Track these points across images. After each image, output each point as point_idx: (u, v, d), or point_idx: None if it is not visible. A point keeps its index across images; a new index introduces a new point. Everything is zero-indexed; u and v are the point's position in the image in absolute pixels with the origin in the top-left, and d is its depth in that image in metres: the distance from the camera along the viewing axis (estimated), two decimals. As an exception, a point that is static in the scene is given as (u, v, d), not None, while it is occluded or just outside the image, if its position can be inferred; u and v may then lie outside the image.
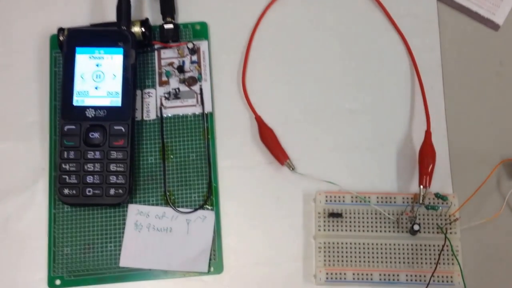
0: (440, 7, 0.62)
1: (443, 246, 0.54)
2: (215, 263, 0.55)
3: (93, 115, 0.55)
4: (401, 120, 0.59)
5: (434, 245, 0.54)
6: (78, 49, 0.56)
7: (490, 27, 0.62)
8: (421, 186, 0.55)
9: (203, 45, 0.59)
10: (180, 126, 0.58)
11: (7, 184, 0.57)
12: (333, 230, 0.55)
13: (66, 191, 0.54)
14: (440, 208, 0.55)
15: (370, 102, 0.60)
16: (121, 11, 0.57)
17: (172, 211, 0.56)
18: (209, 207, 0.56)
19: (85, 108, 0.55)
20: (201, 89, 0.58)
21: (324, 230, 0.55)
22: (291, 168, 0.57)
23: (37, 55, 0.60)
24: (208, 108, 0.58)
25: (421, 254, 0.54)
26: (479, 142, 0.59)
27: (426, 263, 0.54)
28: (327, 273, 0.54)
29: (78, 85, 0.56)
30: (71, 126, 0.55)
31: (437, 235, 0.55)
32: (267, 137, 0.58)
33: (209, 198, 0.56)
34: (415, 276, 0.54)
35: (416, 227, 0.54)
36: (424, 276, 0.54)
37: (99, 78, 0.56)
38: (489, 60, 0.61)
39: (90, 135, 0.55)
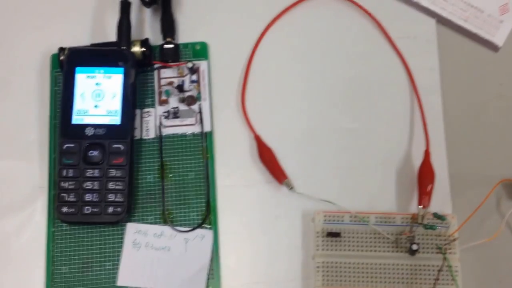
0: (440, 28, 0.63)
1: (441, 266, 0.54)
2: (213, 282, 0.55)
3: (92, 133, 0.55)
4: (400, 140, 0.59)
5: (433, 265, 0.54)
6: (78, 68, 0.57)
7: (490, 48, 0.62)
8: (420, 206, 0.55)
9: (202, 64, 0.60)
10: (179, 145, 0.58)
11: (6, 202, 0.57)
12: (331, 249, 0.55)
13: (64, 209, 0.54)
14: (439, 228, 0.54)
15: (369, 122, 0.60)
16: (122, 31, 0.58)
17: (171, 230, 0.56)
18: (208, 226, 0.56)
19: (84, 126, 0.55)
20: (200, 108, 0.59)
21: (323, 249, 0.55)
22: (289, 187, 0.57)
23: (37, 74, 0.60)
24: (207, 127, 0.58)
25: (420, 274, 0.54)
26: (478, 162, 0.59)
27: (425, 283, 0.54)
28: (325, 293, 0.54)
29: (78, 103, 0.56)
30: (70, 144, 0.55)
31: (436, 255, 0.54)
32: (266, 156, 0.58)
33: (207, 217, 0.56)
34: (414, 296, 0.54)
35: (414, 247, 0.53)
36: (424, 296, 0.54)
37: (98, 97, 0.56)
38: (489, 81, 0.62)
39: (89, 153, 0.55)
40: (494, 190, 0.57)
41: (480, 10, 0.63)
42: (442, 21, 0.63)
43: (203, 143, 0.58)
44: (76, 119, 0.56)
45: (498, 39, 0.62)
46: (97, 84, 0.56)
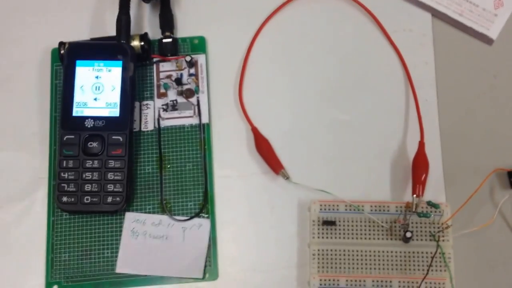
0: (435, 22, 0.63)
1: (434, 253, 0.54)
2: (210, 269, 0.56)
3: (92, 125, 0.56)
4: (395, 131, 0.60)
5: (427, 252, 0.55)
6: (78, 61, 0.58)
7: (484, 41, 0.63)
8: (414, 195, 0.56)
9: (200, 58, 0.61)
10: (177, 136, 0.59)
11: (8, 192, 0.58)
12: (327, 237, 0.56)
13: (64, 198, 0.56)
14: (432, 215, 0.55)
15: (365, 113, 0.61)
16: (121, 25, 0.59)
17: (168, 219, 0.57)
18: (205, 215, 0.57)
19: (84, 118, 0.57)
20: (198, 101, 0.60)
21: (319, 237, 0.55)
22: (286, 178, 0.58)
23: (38, 68, 0.61)
24: (205, 119, 0.59)
25: (413, 261, 0.55)
26: (472, 153, 0.60)
27: (418, 269, 0.55)
28: (320, 280, 0.55)
29: (78, 96, 0.57)
30: (70, 136, 0.56)
31: (430, 242, 0.55)
32: (263, 148, 0.59)
33: (205, 206, 0.57)
34: (408, 282, 0.54)
35: (408, 234, 0.54)
36: (417, 282, 0.54)
37: (98, 90, 0.57)
38: (483, 73, 0.62)
39: (89, 145, 0.56)
40: (487, 179, 0.57)
41: (475, 4, 0.63)
42: (437, 15, 0.63)
43: (201, 135, 0.59)
44: (76, 111, 0.57)
45: (493, 33, 0.63)
46: (96, 77, 0.58)
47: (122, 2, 0.60)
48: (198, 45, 0.62)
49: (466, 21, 0.63)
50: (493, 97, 0.61)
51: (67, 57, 0.58)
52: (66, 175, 0.56)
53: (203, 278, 0.56)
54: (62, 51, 0.59)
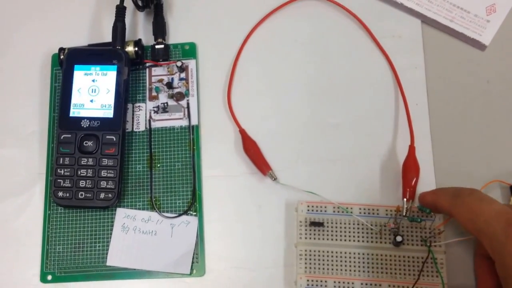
0: (425, 28, 0.64)
1: (426, 258, 0.54)
2: (198, 265, 0.58)
3: (87, 125, 0.59)
4: (385, 135, 0.60)
5: (418, 257, 0.55)
6: (76, 66, 0.61)
7: (477, 47, 0.63)
8: (404, 199, 0.56)
9: (191, 63, 0.63)
10: (167, 137, 0.61)
11: (8, 187, 0.61)
12: (314, 238, 0.56)
13: (60, 193, 0.58)
14: (424, 221, 0.55)
15: (354, 117, 0.61)
16: (116, 32, 0.62)
17: (158, 216, 0.59)
18: (193, 213, 0.59)
19: (80, 119, 0.60)
20: (188, 104, 0.62)
21: (306, 238, 0.56)
22: (273, 178, 0.59)
23: (39, 72, 0.64)
24: (194, 121, 0.61)
25: (404, 265, 0.55)
26: (464, 158, 0.60)
27: (409, 274, 0.55)
28: (307, 280, 0.55)
29: (75, 98, 0.60)
30: (67, 135, 0.59)
31: (422, 247, 0.55)
32: (251, 149, 0.60)
33: (193, 204, 0.59)
34: (398, 287, 0.54)
35: (399, 238, 0.54)
36: (408, 287, 0.54)
37: (94, 92, 0.60)
38: (476, 79, 0.62)
39: (84, 143, 0.59)
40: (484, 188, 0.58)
41: (466, 10, 0.64)
42: (427, 21, 0.64)
43: (190, 136, 0.61)
44: (73, 112, 0.60)
45: (485, 38, 0.63)
46: (93, 80, 0.60)
47: (118, 10, 0.62)
48: (189, 51, 0.64)
49: (457, 27, 0.63)
50: (486, 102, 0.61)
51: (66, 62, 0.61)
52: (62, 171, 0.59)
53: (190, 274, 0.57)
54: (61, 56, 0.62)
